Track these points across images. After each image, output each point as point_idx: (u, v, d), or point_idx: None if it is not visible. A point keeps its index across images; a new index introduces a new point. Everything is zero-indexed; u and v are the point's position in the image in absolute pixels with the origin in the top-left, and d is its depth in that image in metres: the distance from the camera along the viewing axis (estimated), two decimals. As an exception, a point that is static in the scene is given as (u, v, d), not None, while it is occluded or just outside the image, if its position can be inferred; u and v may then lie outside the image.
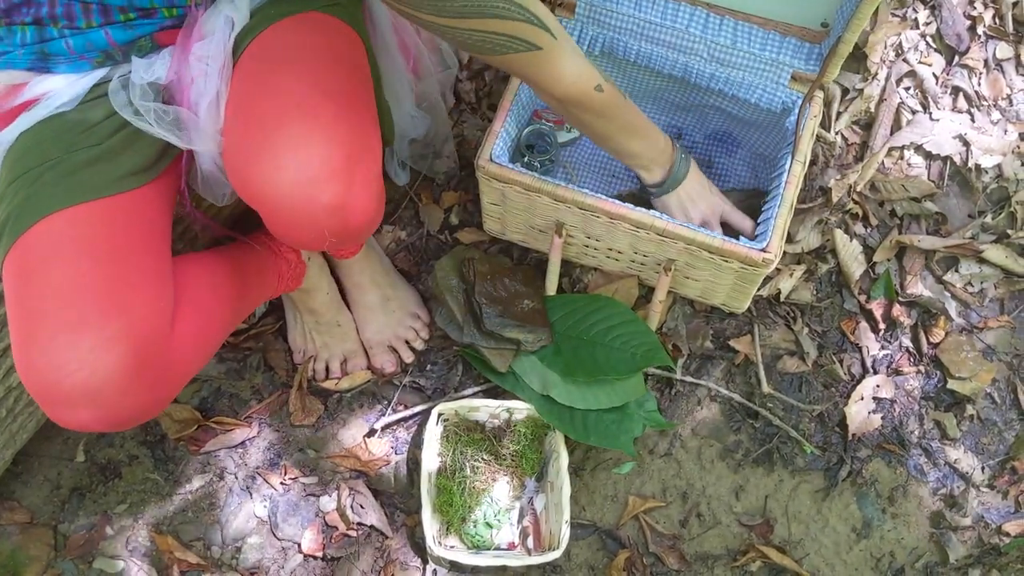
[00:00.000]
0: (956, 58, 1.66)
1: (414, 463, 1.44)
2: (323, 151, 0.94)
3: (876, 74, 1.65)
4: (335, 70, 1.01)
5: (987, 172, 1.60)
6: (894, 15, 1.68)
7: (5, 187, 1.01)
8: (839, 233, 1.55)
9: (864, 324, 1.52)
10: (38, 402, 0.95)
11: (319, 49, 1.03)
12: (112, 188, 1.02)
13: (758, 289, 1.49)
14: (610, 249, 1.41)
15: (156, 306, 1.00)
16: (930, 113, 1.62)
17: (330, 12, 1.09)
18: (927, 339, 1.50)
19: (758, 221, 1.35)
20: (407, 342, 1.50)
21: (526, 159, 1.48)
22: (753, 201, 1.50)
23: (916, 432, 1.46)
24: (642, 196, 1.42)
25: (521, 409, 1.40)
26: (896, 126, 1.62)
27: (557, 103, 1.13)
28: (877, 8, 1.35)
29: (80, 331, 0.93)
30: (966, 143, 1.60)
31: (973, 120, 1.62)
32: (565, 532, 1.30)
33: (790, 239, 1.55)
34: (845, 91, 1.65)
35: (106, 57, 1.05)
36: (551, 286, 1.44)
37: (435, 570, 1.38)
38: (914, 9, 1.68)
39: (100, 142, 1.04)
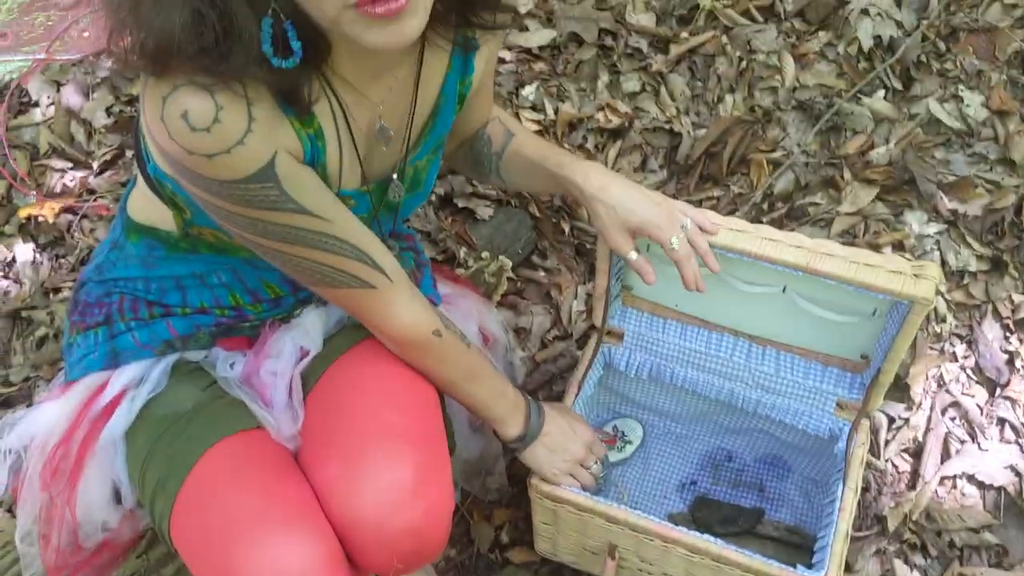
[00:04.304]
0: (998, 390, 1.70)
1: None
2: (401, 476, 0.99)
3: (920, 404, 1.69)
4: (407, 392, 1.08)
5: (1045, 504, 1.58)
6: (932, 348, 1.75)
7: (145, 458, 1.08)
8: (899, 564, 1.51)
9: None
10: None
11: (392, 374, 1.10)
12: (256, 421, 1.10)
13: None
14: (664, 574, 1.38)
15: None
16: (978, 443, 1.64)
17: None
18: None
19: (813, 550, 1.33)
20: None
21: (578, 478, 1.50)
22: (794, 538, 1.49)
23: None
24: (696, 518, 1.42)
25: None
26: (946, 455, 1.63)
27: (394, 344, 1.13)
28: (915, 341, 1.42)
29: (285, 530, 0.97)
30: (1018, 473, 1.60)
31: (1023, 450, 1.63)
32: None
33: (848, 568, 1.51)
34: (891, 419, 1.68)
35: (167, 347, 1.15)
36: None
37: None
38: (951, 343, 1.75)
39: (224, 394, 1.12)
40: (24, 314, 1.87)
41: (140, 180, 1.07)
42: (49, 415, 1.13)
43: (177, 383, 1.13)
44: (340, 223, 1.00)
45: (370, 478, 0.99)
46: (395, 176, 1.12)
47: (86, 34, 0.99)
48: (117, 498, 1.15)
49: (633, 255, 1.19)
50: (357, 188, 1.08)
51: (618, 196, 1.17)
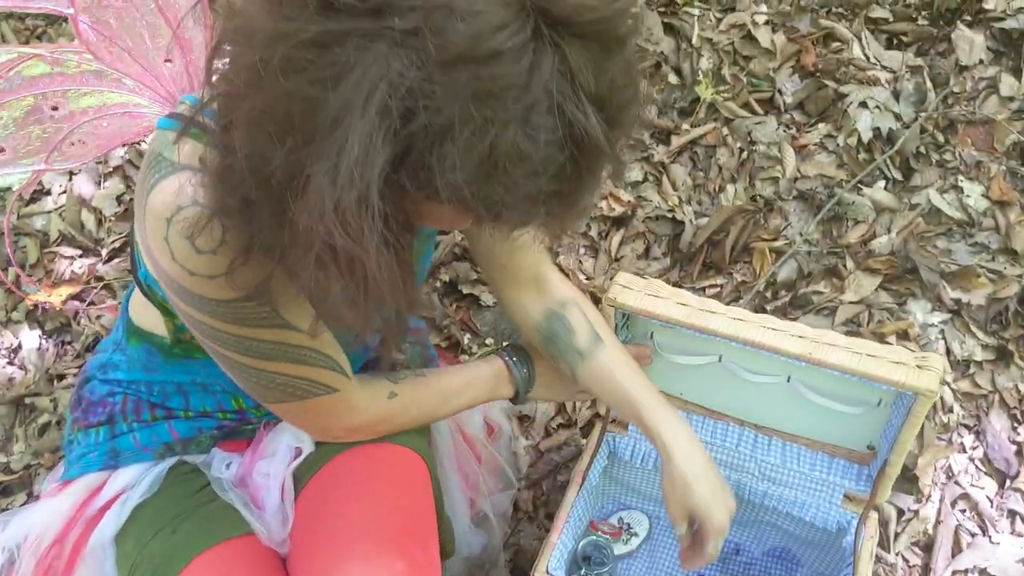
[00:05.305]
0: (1008, 482, 1.67)
1: None
2: None
3: (930, 496, 1.66)
4: (398, 496, 1.06)
5: (1060, 603, 1.54)
6: (940, 439, 1.73)
7: (133, 564, 1.06)
8: (912, 662, 1.47)
9: None
10: None
11: (382, 477, 1.08)
12: (245, 527, 1.08)
13: None
14: (670, 672, 1.35)
15: None
16: (989, 536, 1.61)
17: (393, 440, 1.15)
18: None
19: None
20: None
21: (583, 572, 1.48)
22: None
23: None
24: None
25: None
26: (957, 548, 1.60)
27: (358, 432, 1.11)
28: (922, 431, 1.41)
29: None
30: (1033, 568, 1.57)
31: (1036, 544, 1.60)
32: None
33: (860, 667, 1.47)
34: (901, 512, 1.65)
35: (167, 449, 1.14)
36: None
37: None
38: (959, 434, 1.73)
39: (216, 498, 1.11)
40: (28, 400, 1.87)
41: None
42: (45, 514, 1.12)
43: (169, 486, 1.12)
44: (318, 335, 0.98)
45: None
46: None
47: (82, 141, 1.02)
48: None
49: (682, 530, 1.17)
50: None
51: (694, 472, 1.14)
